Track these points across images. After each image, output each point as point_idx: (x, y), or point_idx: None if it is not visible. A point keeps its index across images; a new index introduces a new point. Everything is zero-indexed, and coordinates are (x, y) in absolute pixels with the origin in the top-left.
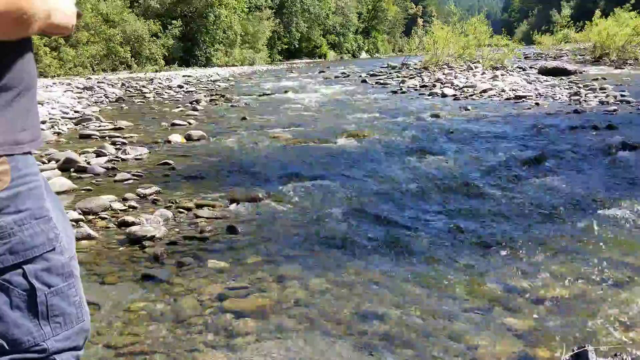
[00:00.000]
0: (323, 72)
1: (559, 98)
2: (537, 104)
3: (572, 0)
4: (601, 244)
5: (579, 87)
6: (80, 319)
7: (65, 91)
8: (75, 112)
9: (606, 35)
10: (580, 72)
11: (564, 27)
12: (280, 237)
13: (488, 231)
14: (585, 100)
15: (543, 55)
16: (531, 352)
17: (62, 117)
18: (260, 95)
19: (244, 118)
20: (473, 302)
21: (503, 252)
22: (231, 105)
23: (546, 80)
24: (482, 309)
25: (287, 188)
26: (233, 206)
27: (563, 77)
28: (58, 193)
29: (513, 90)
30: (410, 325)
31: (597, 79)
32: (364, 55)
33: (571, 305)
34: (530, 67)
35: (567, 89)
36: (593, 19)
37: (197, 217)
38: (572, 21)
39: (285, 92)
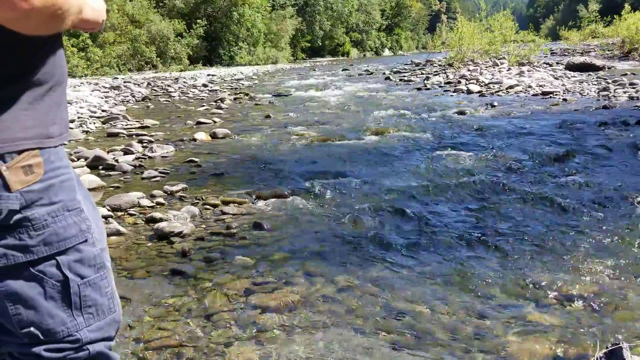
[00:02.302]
0: (346, 69)
1: (587, 94)
2: (564, 99)
3: None
4: (632, 240)
5: (608, 83)
6: (112, 309)
7: (92, 91)
8: (103, 111)
9: (635, 29)
10: (609, 68)
11: (591, 22)
12: (306, 233)
13: (517, 228)
14: (614, 96)
15: (570, 51)
16: (563, 350)
17: (90, 116)
18: (283, 96)
19: (267, 116)
20: (502, 299)
21: (532, 249)
22: (255, 104)
23: (574, 76)
24: (511, 305)
25: (312, 185)
26: (259, 203)
27: (591, 73)
28: (88, 190)
29: (540, 86)
30: (438, 322)
31: (626, 74)
32: (387, 52)
33: (604, 302)
34: (557, 63)
35: (595, 84)
36: (622, 13)
37: (224, 213)
38: (599, 16)
39: (309, 90)
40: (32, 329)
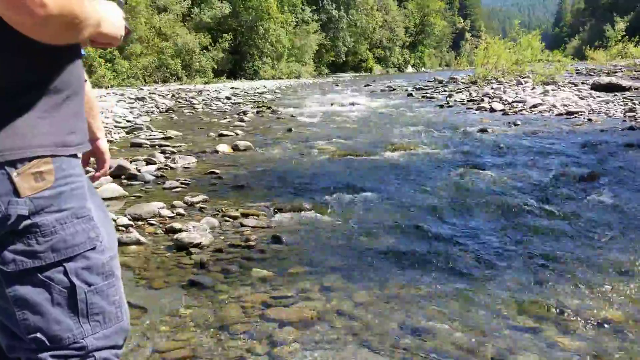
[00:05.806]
0: (369, 85)
1: (613, 114)
2: (589, 120)
3: (628, 15)
4: None
5: (635, 104)
6: (120, 318)
7: (118, 101)
8: (128, 121)
9: None
10: (636, 88)
11: (618, 42)
12: (325, 248)
13: (538, 249)
14: None
15: (596, 71)
16: None
17: (115, 126)
18: (308, 115)
19: (289, 130)
20: (522, 320)
21: (553, 271)
22: (277, 117)
23: (599, 96)
24: (531, 327)
25: (331, 199)
26: (278, 216)
27: (617, 93)
28: (109, 199)
29: (564, 105)
30: (456, 342)
31: None
32: (410, 69)
33: (626, 326)
34: (583, 83)
35: (621, 105)
36: None
37: (243, 225)
38: (627, 36)
39: (331, 104)
40: (38, 334)
